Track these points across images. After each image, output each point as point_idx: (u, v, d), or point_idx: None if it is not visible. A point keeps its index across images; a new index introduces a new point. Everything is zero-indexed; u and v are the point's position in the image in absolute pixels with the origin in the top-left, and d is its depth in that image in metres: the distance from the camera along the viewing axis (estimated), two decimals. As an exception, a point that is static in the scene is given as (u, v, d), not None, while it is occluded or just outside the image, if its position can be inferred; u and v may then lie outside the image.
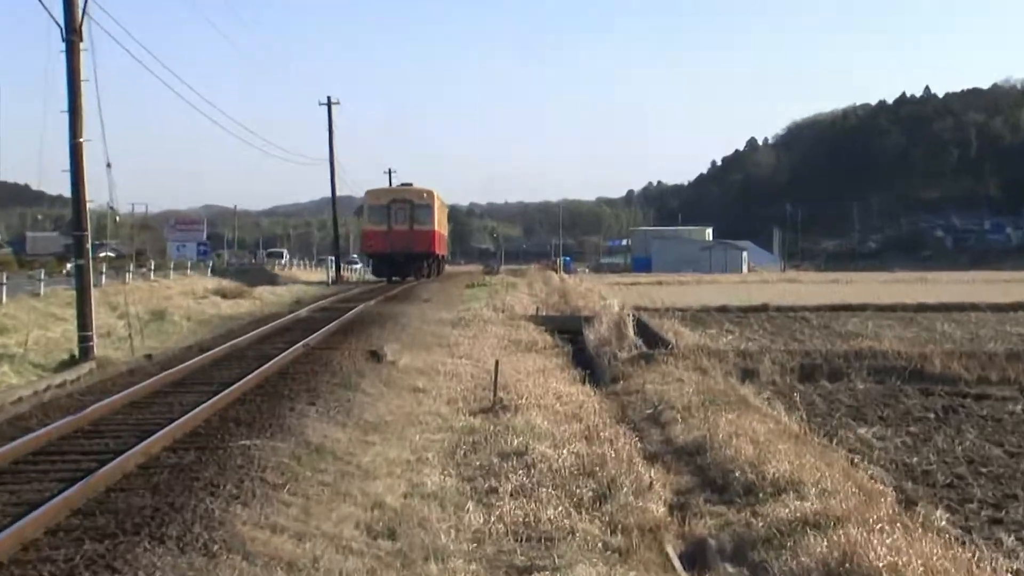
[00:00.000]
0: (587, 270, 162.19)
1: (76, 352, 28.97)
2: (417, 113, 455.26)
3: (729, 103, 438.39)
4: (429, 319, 39.97)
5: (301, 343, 29.29)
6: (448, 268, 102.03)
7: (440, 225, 76.53)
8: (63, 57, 29.11)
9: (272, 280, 70.71)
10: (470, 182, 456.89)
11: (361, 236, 78.12)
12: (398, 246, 70.89)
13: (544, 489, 15.44)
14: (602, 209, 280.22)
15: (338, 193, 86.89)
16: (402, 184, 79.34)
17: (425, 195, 72.75)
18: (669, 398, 23.96)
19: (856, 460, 18.53)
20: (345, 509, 13.92)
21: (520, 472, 16.36)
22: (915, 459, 19.66)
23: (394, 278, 71.48)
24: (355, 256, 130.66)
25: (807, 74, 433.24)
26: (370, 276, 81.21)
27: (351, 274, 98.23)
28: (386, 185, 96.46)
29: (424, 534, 13.34)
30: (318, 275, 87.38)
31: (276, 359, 25.69)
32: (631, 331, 36.43)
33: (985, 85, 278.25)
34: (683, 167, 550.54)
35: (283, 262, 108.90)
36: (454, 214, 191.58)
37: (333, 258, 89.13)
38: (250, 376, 22.80)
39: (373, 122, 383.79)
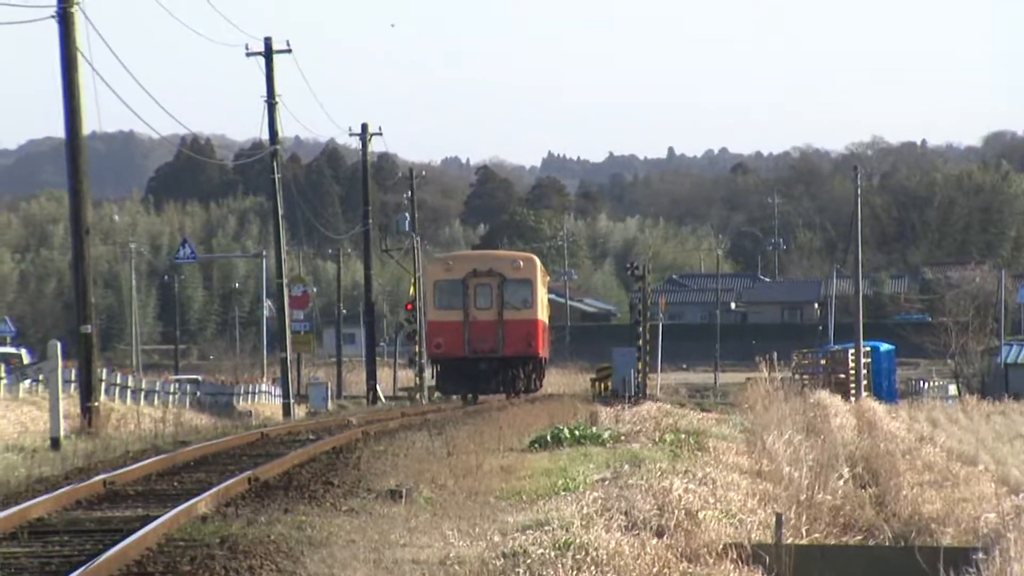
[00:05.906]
0: (956, 388, 75.99)
1: None
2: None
3: None
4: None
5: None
6: None
7: (543, 310, 55.53)
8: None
9: None
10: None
11: (426, 329, 56.92)
12: (480, 345, 50.99)
13: None
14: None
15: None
16: (483, 246, 63.39)
17: (523, 263, 52.86)
18: None
19: None
20: None
21: None
22: None
23: (469, 396, 51.77)
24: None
25: None
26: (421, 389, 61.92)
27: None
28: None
29: None
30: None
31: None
32: None
33: None
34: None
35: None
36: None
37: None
38: None
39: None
